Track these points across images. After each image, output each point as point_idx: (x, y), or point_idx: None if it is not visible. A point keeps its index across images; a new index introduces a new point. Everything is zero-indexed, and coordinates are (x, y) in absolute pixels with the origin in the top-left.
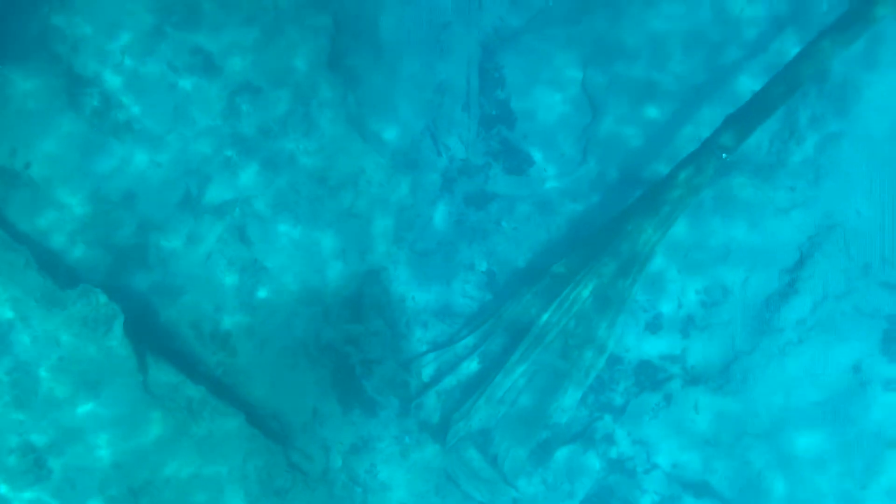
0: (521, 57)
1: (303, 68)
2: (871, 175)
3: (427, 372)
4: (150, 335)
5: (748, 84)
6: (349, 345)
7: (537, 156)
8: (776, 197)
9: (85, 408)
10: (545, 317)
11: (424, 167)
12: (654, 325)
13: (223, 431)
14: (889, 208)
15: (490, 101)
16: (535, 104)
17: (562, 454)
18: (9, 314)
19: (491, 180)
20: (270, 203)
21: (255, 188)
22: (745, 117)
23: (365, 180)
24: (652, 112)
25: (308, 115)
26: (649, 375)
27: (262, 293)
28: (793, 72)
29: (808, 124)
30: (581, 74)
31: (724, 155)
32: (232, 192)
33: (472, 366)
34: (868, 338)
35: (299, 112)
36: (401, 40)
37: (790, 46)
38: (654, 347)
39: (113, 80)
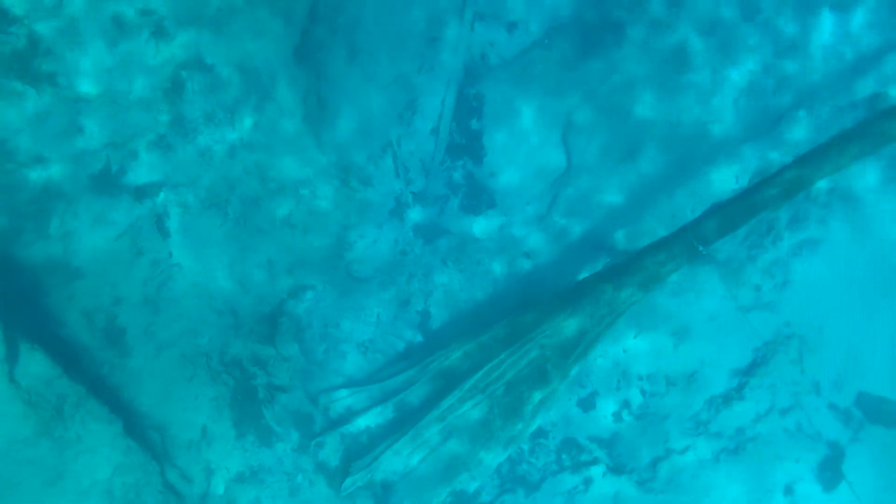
0: (505, 90)
1: (265, 54)
2: (840, 293)
3: (336, 409)
4: (31, 317)
5: (734, 171)
6: (256, 366)
7: (500, 198)
8: (740, 293)
9: None
10: (474, 378)
11: (378, 186)
12: (588, 404)
13: (94, 438)
14: (852, 331)
15: (462, 129)
16: (509, 143)
17: None
18: None
19: (446, 214)
20: (200, 195)
21: (186, 176)
22: (733, 212)
23: (310, 189)
24: (629, 179)
25: (261, 106)
26: (572, 455)
27: (170, 292)
28: (796, 176)
29: (787, 225)
30: (563, 123)
31: (700, 247)
32: (158, 176)
33: (385, 412)
34: (806, 461)
35: (251, 102)
36: (381, 45)
37: (791, 142)
38: (583, 426)
39: (44, 24)
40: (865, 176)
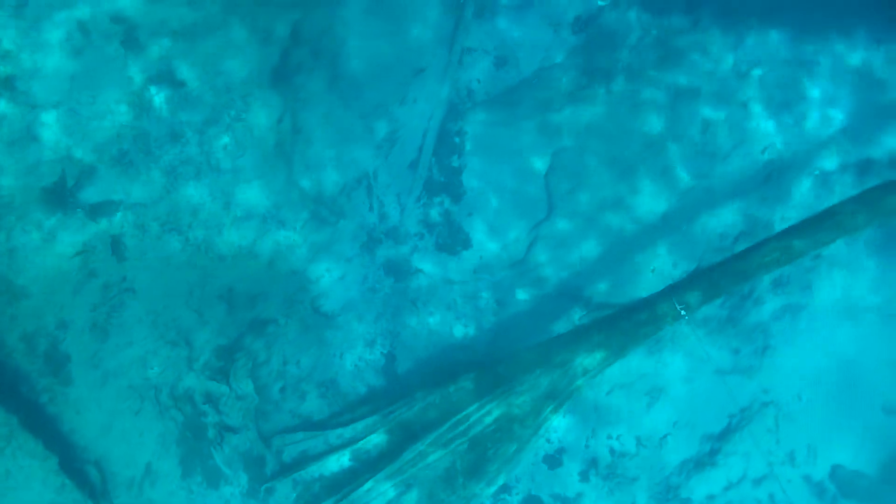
0: (489, 129)
1: (240, 74)
2: (821, 362)
3: (290, 453)
4: None
5: (720, 229)
6: (209, 402)
7: (477, 239)
8: (718, 356)
9: None
10: (437, 432)
11: (350, 219)
12: (554, 461)
13: (25, 475)
14: (831, 402)
15: (442, 166)
16: (490, 184)
17: None
18: None
19: (419, 253)
20: (160, 218)
21: (148, 196)
22: (720, 278)
23: (278, 218)
24: (610, 228)
25: (231, 128)
26: None
27: (121, 319)
28: (789, 245)
29: (770, 288)
30: (546, 167)
31: (683, 312)
32: (118, 194)
33: (342, 460)
34: None
35: (222, 123)
36: (364, 73)
37: (781, 205)
38: (547, 483)
39: (4, 26)
40: (852, 243)
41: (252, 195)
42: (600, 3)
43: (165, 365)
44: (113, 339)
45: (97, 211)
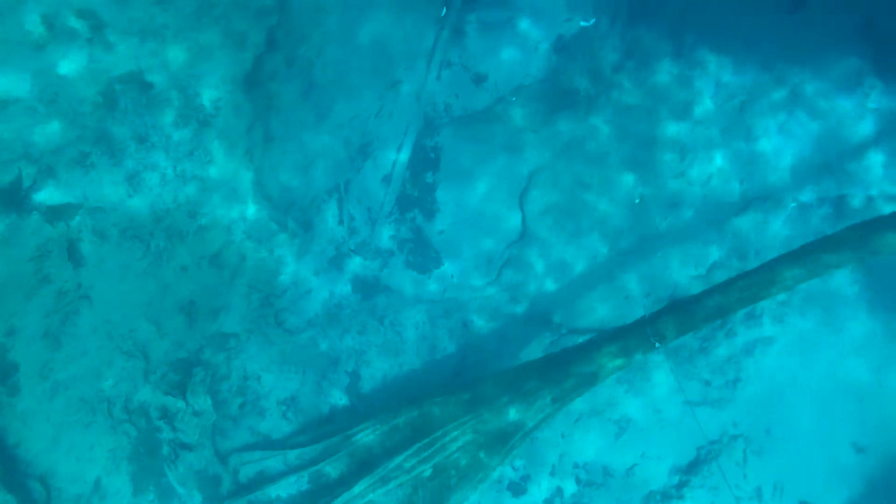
0: (466, 145)
1: (211, 79)
2: (792, 397)
3: (247, 472)
4: None
5: (694, 258)
6: (164, 418)
7: (448, 258)
8: (688, 387)
9: None
10: (400, 458)
11: (319, 232)
12: (519, 488)
13: None
14: (800, 437)
15: (416, 181)
16: (464, 201)
17: None
18: None
19: (388, 270)
20: (120, 224)
21: (108, 201)
22: (695, 311)
23: (243, 228)
24: (584, 252)
25: (200, 134)
26: None
27: (75, 327)
28: (768, 279)
29: (743, 320)
30: (522, 187)
31: (657, 344)
32: (76, 197)
33: (300, 483)
34: None
35: (190, 128)
36: (340, 82)
37: (756, 237)
38: None
39: None
40: (828, 278)
41: (219, 204)
42: (583, 23)
43: (120, 377)
44: (65, 349)
45: (54, 214)
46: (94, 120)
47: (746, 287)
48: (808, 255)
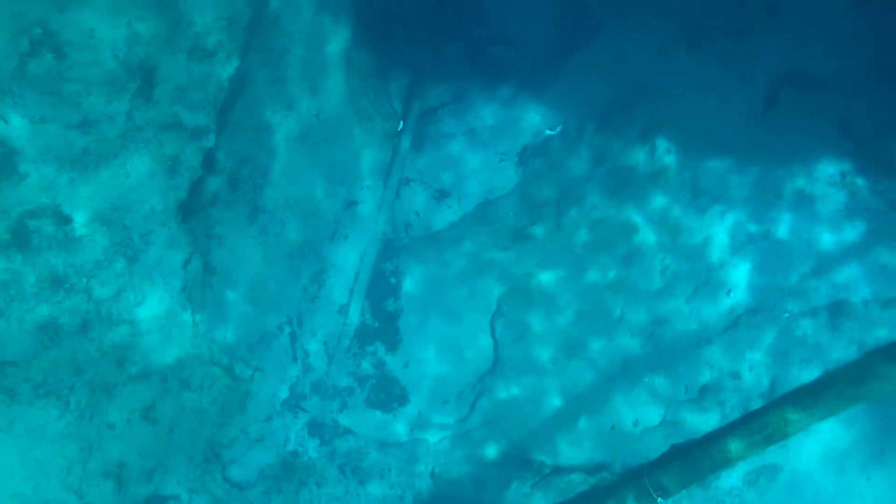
0: (429, 268)
1: (140, 209)
2: None
3: None
4: None
5: (684, 378)
6: None
7: (415, 395)
8: None
9: None
10: None
11: (270, 372)
12: None
13: None
14: None
15: (376, 310)
16: (429, 330)
17: None
18: None
19: (348, 411)
20: (33, 380)
21: (19, 354)
22: (699, 458)
23: (181, 375)
24: (563, 380)
25: (128, 272)
26: None
27: None
28: (782, 420)
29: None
30: (492, 311)
31: (659, 499)
32: None
33: None
34: None
35: (116, 266)
36: (289, 206)
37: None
38: None
39: None
40: None
41: (150, 350)
42: (548, 131)
43: None
44: None
45: None
46: (2, 260)
47: (757, 430)
48: (828, 390)
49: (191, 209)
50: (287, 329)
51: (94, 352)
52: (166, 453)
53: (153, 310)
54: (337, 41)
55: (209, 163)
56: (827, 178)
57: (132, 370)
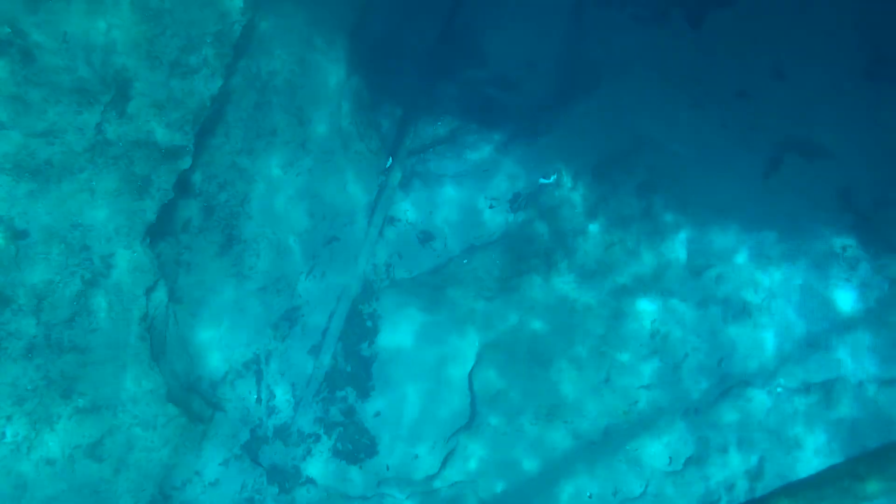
0: (409, 313)
1: (103, 230)
2: None
3: None
4: None
5: (668, 450)
6: None
7: (384, 447)
8: None
9: None
10: None
11: (231, 412)
12: None
13: None
14: None
15: (349, 354)
16: (405, 380)
17: None
18: None
19: (313, 460)
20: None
21: None
22: None
23: (133, 412)
24: (542, 442)
25: (84, 295)
26: None
27: None
28: None
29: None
30: (471, 364)
31: None
32: None
33: None
34: None
35: (71, 288)
36: (267, 236)
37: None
38: None
39: None
40: None
41: (101, 382)
42: (543, 180)
43: None
44: None
45: None
46: None
47: None
48: (831, 484)
49: (160, 233)
50: (254, 367)
51: (39, 380)
52: (111, 495)
53: (107, 338)
54: (330, 68)
55: (183, 185)
56: (827, 249)
57: (79, 402)
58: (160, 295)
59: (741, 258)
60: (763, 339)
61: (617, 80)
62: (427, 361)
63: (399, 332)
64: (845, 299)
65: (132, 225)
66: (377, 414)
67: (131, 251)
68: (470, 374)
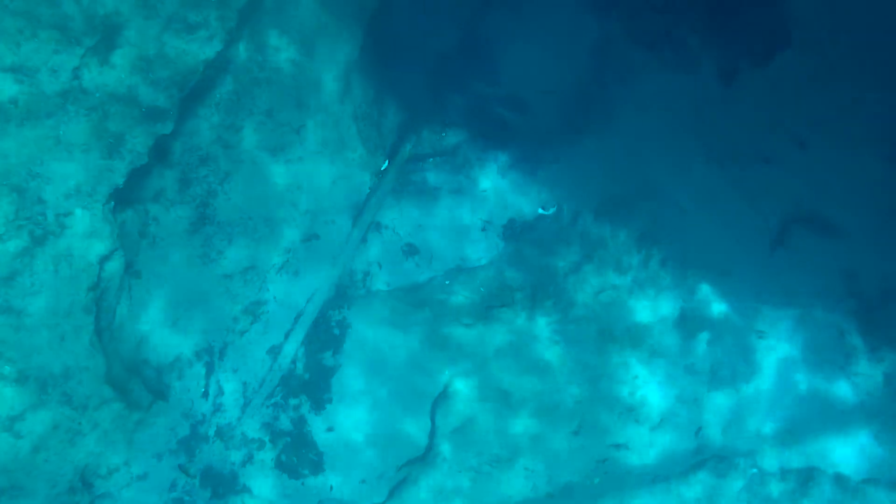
0: (380, 328)
1: (63, 185)
2: None
3: None
4: None
5: None
6: None
7: (331, 465)
8: None
9: None
10: None
11: (173, 403)
12: None
13: None
14: None
15: (311, 360)
16: (365, 398)
17: None
18: None
19: (253, 468)
20: None
21: None
22: None
23: (63, 388)
24: (499, 490)
25: (31, 253)
26: None
27: None
28: None
29: None
30: (437, 392)
31: None
32: None
33: None
34: None
35: (17, 242)
36: (243, 220)
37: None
38: None
39: None
40: None
41: (34, 351)
42: (541, 210)
43: None
44: None
45: None
46: None
47: None
48: None
49: (126, 199)
50: (205, 358)
51: None
52: (23, 475)
53: (49, 304)
54: (337, 56)
55: (161, 152)
56: (825, 331)
57: (6, 369)
58: (115, 265)
59: (736, 327)
60: (744, 414)
61: (632, 120)
62: (391, 383)
63: (366, 348)
64: (838, 387)
65: (96, 185)
66: (330, 429)
67: (91, 213)
68: (434, 404)
